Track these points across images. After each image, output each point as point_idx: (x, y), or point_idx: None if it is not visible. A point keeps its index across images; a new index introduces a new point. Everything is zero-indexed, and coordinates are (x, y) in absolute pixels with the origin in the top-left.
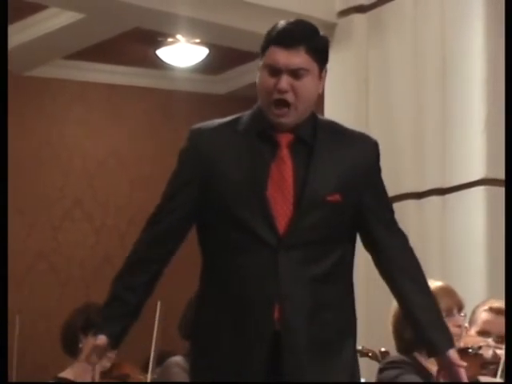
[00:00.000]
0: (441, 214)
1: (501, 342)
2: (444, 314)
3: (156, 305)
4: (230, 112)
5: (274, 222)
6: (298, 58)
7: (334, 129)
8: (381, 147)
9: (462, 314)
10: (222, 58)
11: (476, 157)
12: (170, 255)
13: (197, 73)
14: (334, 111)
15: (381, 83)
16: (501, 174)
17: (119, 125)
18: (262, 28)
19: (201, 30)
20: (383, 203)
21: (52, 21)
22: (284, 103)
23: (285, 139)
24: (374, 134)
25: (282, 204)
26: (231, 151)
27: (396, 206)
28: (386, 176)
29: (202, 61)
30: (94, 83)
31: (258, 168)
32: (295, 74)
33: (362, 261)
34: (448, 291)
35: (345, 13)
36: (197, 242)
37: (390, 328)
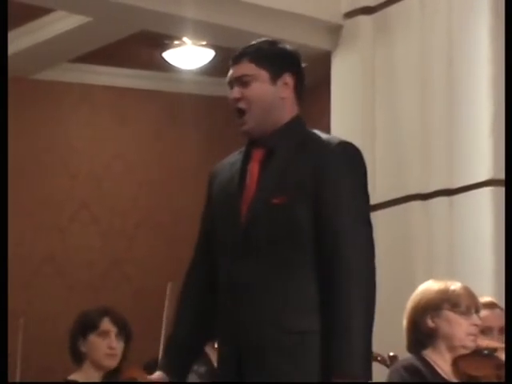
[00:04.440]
0: (448, 214)
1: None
2: (464, 311)
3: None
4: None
5: (238, 229)
6: (241, 68)
7: (308, 137)
8: (387, 148)
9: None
10: (228, 60)
11: (483, 158)
12: None
13: (203, 75)
14: (340, 113)
15: (387, 85)
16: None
17: (125, 128)
18: (268, 30)
19: (207, 32)
20: (333, 209)
21: (58, 24)
22: (240, 112)
23: (257, 154)
24: (380, 135)
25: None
26: (226, 175)
27: (402, 207)
28: (393, 177)
29: (209, 63)
30: (99, 86)
31: (235, 185)
32: (242, 82)
33: None
34: (469, 292)
35: (351, 14)
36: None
37: (404, 324)
